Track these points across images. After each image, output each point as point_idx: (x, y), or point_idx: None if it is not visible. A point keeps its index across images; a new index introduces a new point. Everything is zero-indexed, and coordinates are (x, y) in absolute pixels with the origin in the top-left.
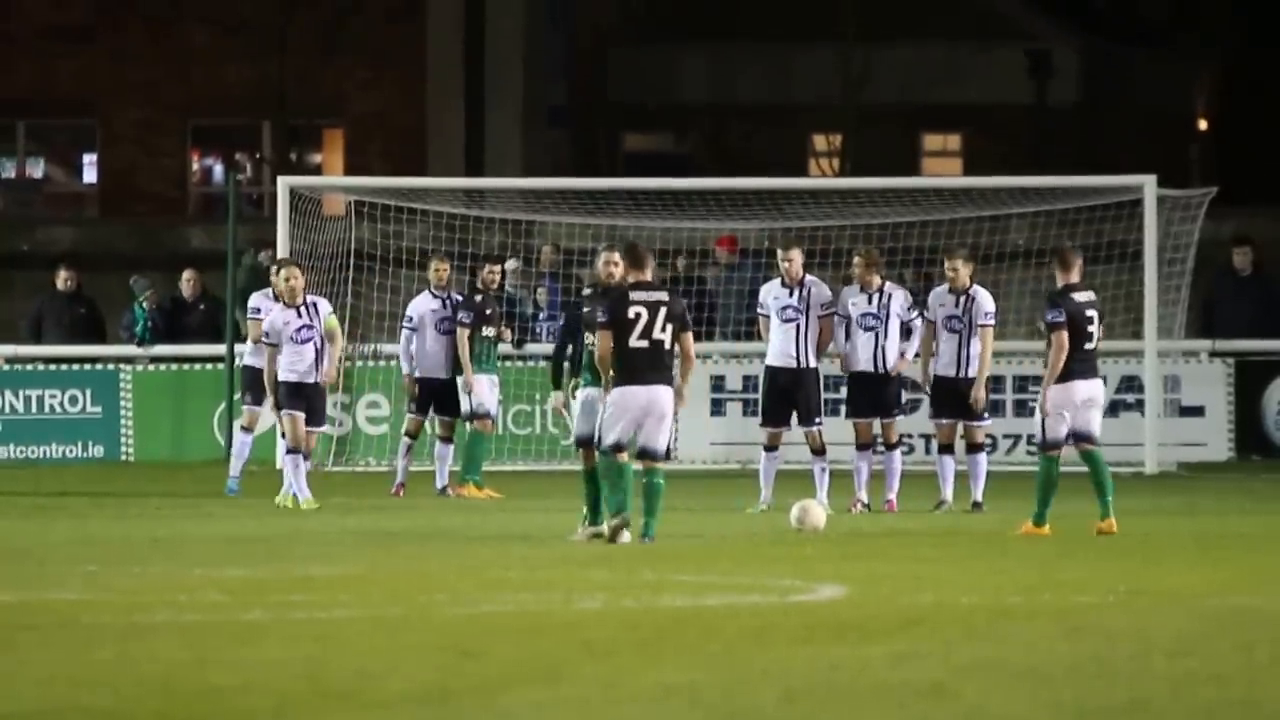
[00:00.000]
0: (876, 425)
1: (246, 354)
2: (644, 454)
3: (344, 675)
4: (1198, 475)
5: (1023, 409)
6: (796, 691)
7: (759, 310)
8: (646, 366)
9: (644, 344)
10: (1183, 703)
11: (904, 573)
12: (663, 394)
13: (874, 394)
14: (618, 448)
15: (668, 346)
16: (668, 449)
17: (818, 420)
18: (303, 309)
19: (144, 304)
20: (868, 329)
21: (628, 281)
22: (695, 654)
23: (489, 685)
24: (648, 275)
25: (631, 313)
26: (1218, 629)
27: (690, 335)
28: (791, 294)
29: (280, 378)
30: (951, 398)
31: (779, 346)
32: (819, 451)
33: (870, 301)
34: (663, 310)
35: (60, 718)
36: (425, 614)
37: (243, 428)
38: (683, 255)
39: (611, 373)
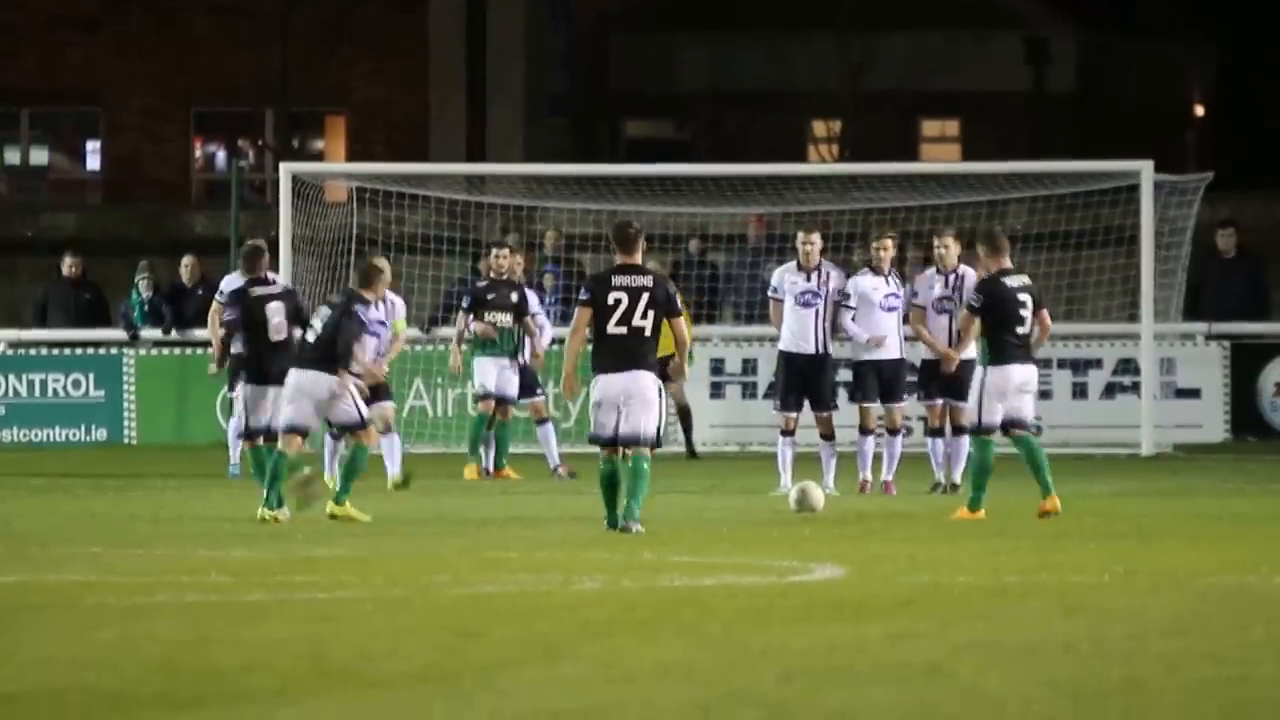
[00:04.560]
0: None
1: (237, 342)
2: (628, 441)
3: (345, 655)
4: (1193, 456)
5: None
6: (794, 671)
7: (771, 294)
8: (624, 354)
9: (621, 330)
10: (1178, 681)
11: (901, 553)
12: (643, 379)
13: (944, 376)
14: (605, 442)
15: (648, 334)
16: (658, 436)
17: (832, 406)
18: (380, 304)
19: (139, 288)
20: (942, 312)
21: (615, 263)
22: (693, 634)
23: (489, 665)
24: (637, 258)
25: (611, 298)
26: (1213, 608)
27: (680, 320)
28: (809, 279)
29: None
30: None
31: (796, 332)
32: (829, 436)
33: (947, 285)
34: (645, 296)
35: (63, 698)
36: (426, 595)
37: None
38: (695, 239)
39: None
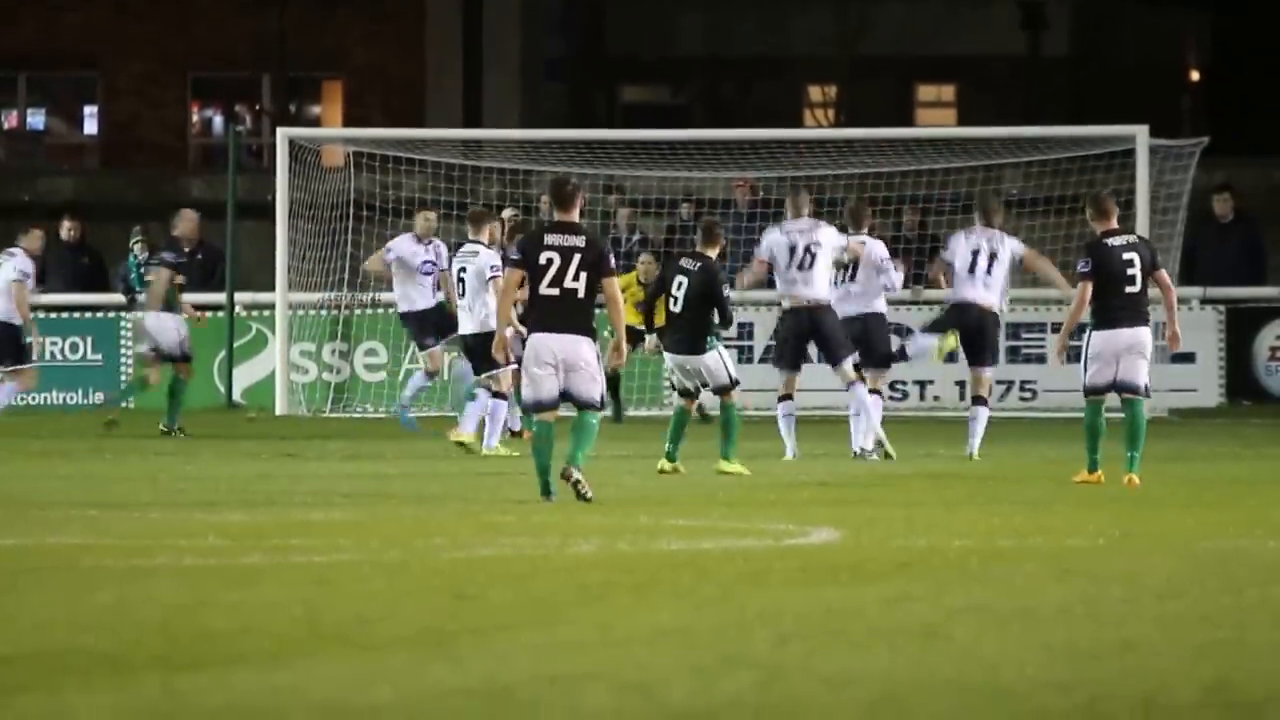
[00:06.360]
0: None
1: (400, 301)
2: (577, 403)
3: (342, 618)
4: (1189, 421)
5: (1015, 355)
6: (790, 634)
7: (758, 255)
8: (558, 315)
9: (554, 292)
10: (1172, 644)
11: (897, 517)
12: (579, 344)
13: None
14: (540, 406)
15: (581, 296)
16: (601, 399)
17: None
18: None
19: (135, 252)
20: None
21: (550, 220)
22: (690, 597)
23: (485, 628)
24: (573, 215)
25: (544, 257)
26: (1207, 571)
27: (614, 280)
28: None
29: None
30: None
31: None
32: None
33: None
34: (576, 257)
35: (59, 660)
36: (423, 558)
37: (428, 373)
38: (688, 203)
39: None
